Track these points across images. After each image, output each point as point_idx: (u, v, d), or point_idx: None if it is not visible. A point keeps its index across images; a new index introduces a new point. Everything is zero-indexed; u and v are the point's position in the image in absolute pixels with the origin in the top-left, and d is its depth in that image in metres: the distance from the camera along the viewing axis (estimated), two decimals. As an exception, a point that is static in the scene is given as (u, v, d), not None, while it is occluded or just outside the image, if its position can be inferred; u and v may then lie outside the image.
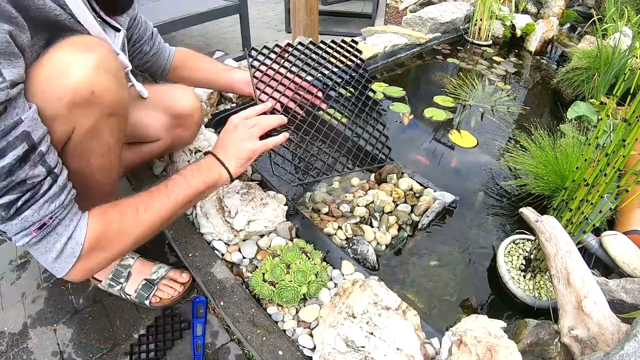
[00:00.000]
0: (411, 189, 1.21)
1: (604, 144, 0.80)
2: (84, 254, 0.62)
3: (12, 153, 0.52)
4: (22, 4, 0.56)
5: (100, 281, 0.95)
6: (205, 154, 0.82)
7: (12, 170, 0.53)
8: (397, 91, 1.86)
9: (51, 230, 0.59)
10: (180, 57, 1.08)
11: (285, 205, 1.04)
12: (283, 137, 0.86)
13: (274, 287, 0.84)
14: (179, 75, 1.09)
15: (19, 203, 0.55)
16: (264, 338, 0.77)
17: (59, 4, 0.62)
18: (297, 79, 1.02)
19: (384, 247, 1.07)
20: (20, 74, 0.54)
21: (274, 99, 0.95)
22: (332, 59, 1.08)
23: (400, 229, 1.12)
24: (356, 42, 1.14)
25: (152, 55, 1.02)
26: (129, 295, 0.94)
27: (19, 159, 0.53)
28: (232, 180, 0.81)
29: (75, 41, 0.62)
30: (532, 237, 1.03)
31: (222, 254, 0.95)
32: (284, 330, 0.81)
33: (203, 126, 1.25)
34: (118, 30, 0.78)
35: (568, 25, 2.71)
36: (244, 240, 0.98)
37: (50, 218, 0.58)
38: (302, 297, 0.85)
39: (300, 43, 1.07)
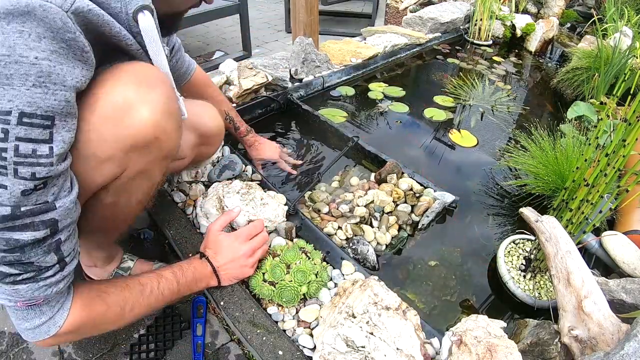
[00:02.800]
0: (411, 189, 1.21)
1: (604, 144, 0.80)
2: (59, 334, 0.59)
3: (31, 233, 0.49)
4: (98, 31, 0.52)
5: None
6: (203, 256, 0.83)
7: (25, 248, 0.50)
8: (396, 91, 1.86)
9: (36, 308, 0.56)
10: (198, 76, 1.10)
11: (285, 205, 1.04)
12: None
13: (274, 287, 0.84)
14: (193, 94, 1.07)
15: (18, 278, 0.52)
16: (264, 338, 0.77)
17: (132, 33, 0.58)
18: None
19: (384, 247, 1.07)
20: (71, 138, 0.51)
21: None
22: None
23: (400, 229, 1.12)
24: None
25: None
26: None
27: (36, 240, 0.50)
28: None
29: (137, 73, 0.58)
30: (532, 237, 1.03)
31: (222, 254, 0.95)
32: (284, 330, 0.81)
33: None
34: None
35: (568, 25, 2.71)
36: (244, 240, 0.98)
37: (41, 300, 0.55)
38: (302, 297, 0.85)
39: None
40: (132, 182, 0.65)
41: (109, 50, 0.57)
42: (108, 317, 0.64)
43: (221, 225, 0.87)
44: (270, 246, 0.98)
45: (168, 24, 0.69)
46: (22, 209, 0.48)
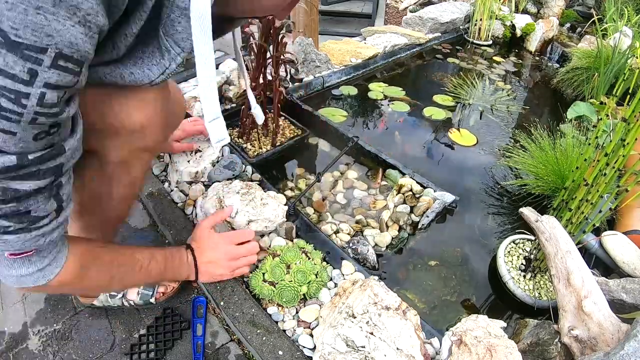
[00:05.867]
0: (411, 189, 1.20)
1: (604, 143, 0.80)
2: (43, 286, 0.56)
3: (34, 182, 0.44)
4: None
5: (95, 297, 0.91)
6: (189, 248, 0.84)
7: (22, 198, 0.44)
8: (397, 91, 1.86)
9: (26, 259, 0.52)
10: None
11: (285, 205, 1.04)
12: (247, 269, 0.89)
13: (274, 287, 0.84)
14: None
15: (10, 229, 0.46)
16: (264, 338, 0.77)
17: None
18: None
19: (384, 248, 1.07)
20: (86, 73, 0.43)
21: None
22: None
23: (400, 229, 1.12)
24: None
25: None
26: (132, 300, 0.92)
27: (37, 189, 0.45)
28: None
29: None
30: (532, 237, 1.03)
31: (222, 254, 0.95)
32: (284, 330, 0.81)
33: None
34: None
35: (568, 25, 2.71)
36: (244, 240, 0.98)
37: (32, 251, 0.51)
38: (302, 297, 0.85)
39: None
40: (115, 171, 0.66)
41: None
42: (97, 282, 0.65)
43: (211, 222, 0.87)
44: (270, 246, 0.98)
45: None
46: (30, 156, 0.42)
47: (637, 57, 1.70)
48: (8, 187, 0.42)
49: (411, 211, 1.15)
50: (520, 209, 0.88)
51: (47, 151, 0.43)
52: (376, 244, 1.06)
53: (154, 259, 0.74)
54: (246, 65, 1.20)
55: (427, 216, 1.12)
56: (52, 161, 0.44)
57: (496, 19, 2.50)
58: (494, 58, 2.35)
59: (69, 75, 0.39)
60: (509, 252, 1.03)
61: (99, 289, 0.69)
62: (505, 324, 0.74)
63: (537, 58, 2.44)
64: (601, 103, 1.69)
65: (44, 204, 0.47)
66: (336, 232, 1.08)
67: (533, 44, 2.45)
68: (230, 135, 1.36)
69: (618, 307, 0.74)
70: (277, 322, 0.82)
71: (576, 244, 0.77)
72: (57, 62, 0.37)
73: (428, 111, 1.73)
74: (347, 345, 0.69)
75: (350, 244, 1.02)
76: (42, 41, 0.35)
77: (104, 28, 0.40)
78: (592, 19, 2.12)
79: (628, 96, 0.84)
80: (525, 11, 2.82)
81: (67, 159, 0.47)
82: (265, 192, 1.06)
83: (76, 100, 0.46)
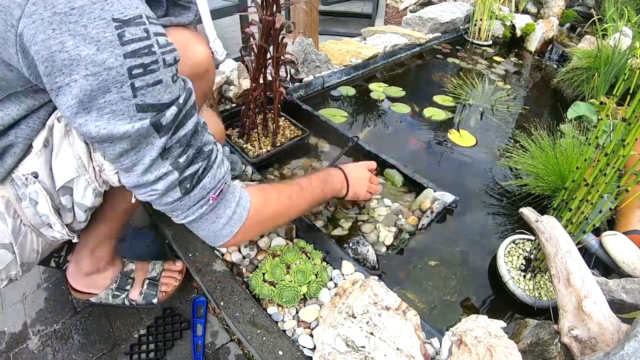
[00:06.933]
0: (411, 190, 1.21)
1: (604, 144, 0.80)
2: (248, 220, 0.67)
3: (191, 120, 0.55)
4: None
5: (94, 295, 0.91)
6: (338, 168, 1.00)
7: (191, 139, 0.56)
8: (397, 91, 1.86)
9: (223, 198, 0.63)
10: None
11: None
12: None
13: (274, 287, 0.84)
14: None
15: (200, 172, 0.58)
16: (264, 338, 0.77)
17: None
18: None
19: (384, 248, 1.07)
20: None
21: None
22: None
23: (400, 231, 1.12)
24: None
25: None
26: (134, 300, 0.92)
27: (195, 125, 0.56)
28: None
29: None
30: (532, 237, 1.03)
31: (222, 254, 0.95)
32: (284, 330, 0.81)
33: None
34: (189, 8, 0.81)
35: (568, 25, 2.71)
36: (244, 240, 0.98)
37: (224, 183, 0.62)
38: (302, 297, 0.85)
39: None
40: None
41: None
42: (280, 206, 0.74)
43: (367, 166, 1.08)
44: (270, 246, 0.98)
45: None
46: (180, 100, 0.54)
47: (637, 57, 1.70)
48: (180, 134, 0.54)
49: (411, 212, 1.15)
50: (520, 209, 0.88)
51: (185, 91, 0.55)
52: (377, 243, 1.06)
53: (316, 177, 0.88)
54: (246, 66, 1.20)
55: (427, 216, 1.12)
56: (190, 99, 0.56)
57: (496, 19, 2.50)
58: (494, 58, 2.35)
59: (157, 26, 0.52)
60: (509, 252, 1.03)
61: (284, 214, 0.77)
62: (505, 324, 0.74)
63: (537, 58, 2.44)
64: (601, 103, 1.69)
65: (205, 137, 0.59)
66: (334, 231, 1.08)
67: (533, 44, 2.45)
68: (230, 135, 1.36)
69: (618, 307, 0.74)
70: (277, 322, 0.82)
71: (576, 244, 0.77)
72: (149, 20, 0.51)
73: (428, 112, 1.73)
74: (347, 345, 0.69)
75: (350, 244, 1.02)
76: (136, 12, 0.49)
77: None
78: (592, 19, 2.12)
79: (628, 96, 0.84)
80: (525, 11, 2.82)
81: (194, 98, 0.57)
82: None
83: None
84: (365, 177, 1.03)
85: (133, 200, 0.63)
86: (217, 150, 0.62)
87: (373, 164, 1.10)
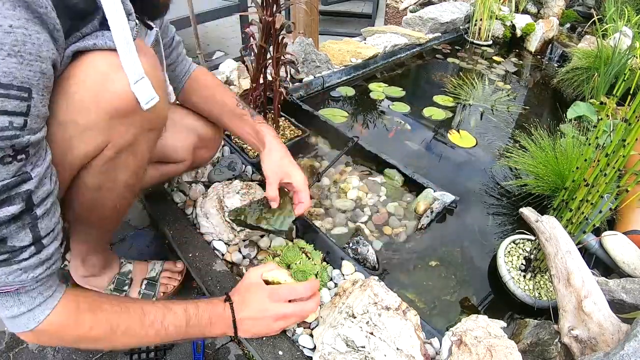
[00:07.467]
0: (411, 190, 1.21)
1: (604, 144, 0.80)
2: (38, 331, 0.55)
3: (7, 209, 0.45)
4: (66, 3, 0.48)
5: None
6: (228, 300, 0.73)
7: (4, 224, 0.46)
8: (397, 91, 1.86)
9: (12, 295, 0.52)
10: (196, 78, 0.92)
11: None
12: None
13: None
14: (190, 99, 0.94)
15: None
16: (264, 338, 0.77)
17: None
18: None
19: (384, 248, 1.07)
20: (46, 114, 0.48)
21: None
22: None
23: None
24: None
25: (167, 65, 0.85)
26: None
27: (11, 217, 0.46)
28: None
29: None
30: (532, 237, 1.03)
31: (223, 254, 0.95)
32: (284, 330, 0.81)
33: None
34: (151, 28, 0.70)
35: (568, 25, 2.71)
36: (244, 240, 0.98)
37: (17, 287, 0.51)
38: (302, 297, 0.85)
39: None
40: (118, 159, 0.62)
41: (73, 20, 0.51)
42: (94, 333, 0.59)
43: (259, 275, 0.77)
44: (270, 246, 0.98)
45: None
46: None
47: (637, 58, 1.70)
48: None
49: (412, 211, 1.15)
50: (521, 209, 0.88)
51: (15, 178, 0.45)
52: (377, 243, 1.06)
53: (171, 312, 0.65)
54: (246, 66, 1.21)
55: (427, 216, 1.12)
56: (19, 186, 0.46)
57: (496, 19, 2.50)
58: (494, 58, 2.35)
59: (14, 101, 0.42)
60: (509, 252, 1.03)
61: (95, 342, 0.61)
62: (505, 324, 0.74)
63: (537, 58, 2.44)
64: (601, 103, 1.69)
65: (17, 233, 0.48)
66: (334, 230, 1.08)
67: (533, 44, 2.45)
68: (230, 135, 1.36)
69: (618, 307, 0.74)
70: (277, 322, 0.82)
71: (576, 244, 0.77)
72: None
73: (428, 111, 1.73)
74: (347, 345, 0.69)
75: (350, 244, 1.02)
76: None
77: (52, 51, 0.46)
78: (592, 19, 2.12)
79: (629, 96, 0.84)
80: (525, 11, 2.82)
81: (35, 186, 0.48)
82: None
83: (42, 127, 0.48)
84: (264, 315, 0.72)
85: None
86: (33, 254, 0.50)
87: (303, 291, 0.76)
